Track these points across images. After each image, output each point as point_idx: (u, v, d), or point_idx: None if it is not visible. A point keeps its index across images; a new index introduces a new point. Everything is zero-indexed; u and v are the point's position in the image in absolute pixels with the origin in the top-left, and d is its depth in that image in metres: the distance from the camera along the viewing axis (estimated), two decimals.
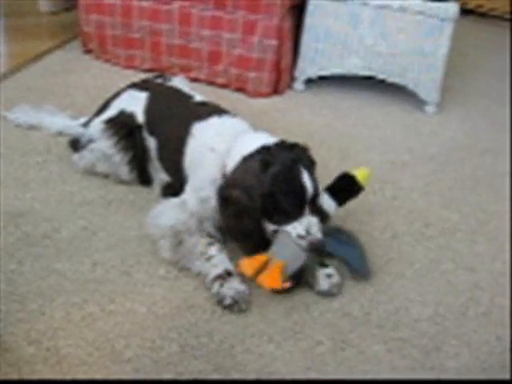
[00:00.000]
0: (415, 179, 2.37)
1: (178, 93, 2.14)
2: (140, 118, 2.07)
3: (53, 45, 3.22)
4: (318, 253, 1.69)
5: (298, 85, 3.01)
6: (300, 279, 1.71)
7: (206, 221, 1.81)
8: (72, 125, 2.32)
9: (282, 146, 1.75)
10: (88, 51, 3.15)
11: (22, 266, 1.74)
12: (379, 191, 2.25)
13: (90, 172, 2.15)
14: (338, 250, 1.77)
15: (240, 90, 2.91)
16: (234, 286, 1.66)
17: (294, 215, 1.67)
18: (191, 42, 2.89)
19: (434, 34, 2.77)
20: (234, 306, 1.64)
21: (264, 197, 1.65)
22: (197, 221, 1.80)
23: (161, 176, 2.06)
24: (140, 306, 1.65)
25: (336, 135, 2.64)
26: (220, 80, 2.93)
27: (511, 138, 2.73)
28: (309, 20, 2.88)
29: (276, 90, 2.93)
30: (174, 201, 1.86)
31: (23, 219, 1.93)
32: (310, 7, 2.85)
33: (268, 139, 1.79)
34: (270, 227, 1.70)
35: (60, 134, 2.36)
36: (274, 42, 2.79)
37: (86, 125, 2.20)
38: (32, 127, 2.41)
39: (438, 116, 2.91)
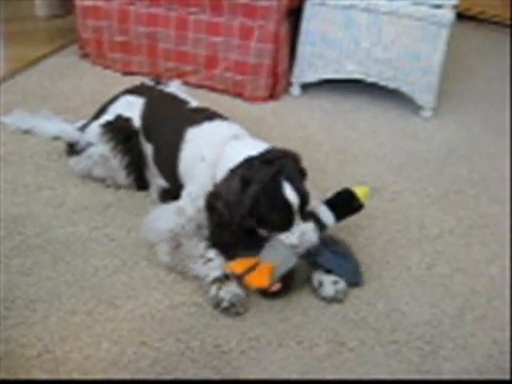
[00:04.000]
0: (411, 183, 2.38)
1: (173, 98, 2.14)
2: (137, 123, 2.07)
3: (50, 50, 3.22)
4: (309, 257, 1.70)
5: (295, 90, 3.02)
6: (289, 283, 1.71)
7: (203, 227, 1.81)
8: (68, 129, 2.31)
9: (265, 157, 1.71)
10: (85, 56, 3.15)
11: (19, 272, 1.74)
12: (376, 195, 2.25)
13: (87, 176, 2.15)
14: (331, 262, 1.75)
15: (237, 95, 2.92)
16: (231, 290, 1.66)
17: (282, 228, 1.69)
18: (188, 47, 2.90)
19: (430, 40, 2.78)
20: (231, 309, 1.65)
21: (244, 216, 1.67)
22: (195, 226, 1.80)
23: (158, 181, 2.07)
24: (137, 310, 1.65)
25: (333, 140, 2.65)
26: (217, 85, 2.94)
27: (511, 141, 2.74)
28: (305, 25, 2.88)
29: (272, 95, 2.93)
30: (170, 206, 1.86)
31: (20, 224, 1.93)
32: (307, 12, 2.86)
33: (255, 148, 1.76)
34: (263, 233, 1.72)
35: (56, 138, 2.36)
36: (270, 47, 2.79)
37: (82, 129, 2.20)
38: (28, 132, 2.41)
39: (434, 120, 2.91)
